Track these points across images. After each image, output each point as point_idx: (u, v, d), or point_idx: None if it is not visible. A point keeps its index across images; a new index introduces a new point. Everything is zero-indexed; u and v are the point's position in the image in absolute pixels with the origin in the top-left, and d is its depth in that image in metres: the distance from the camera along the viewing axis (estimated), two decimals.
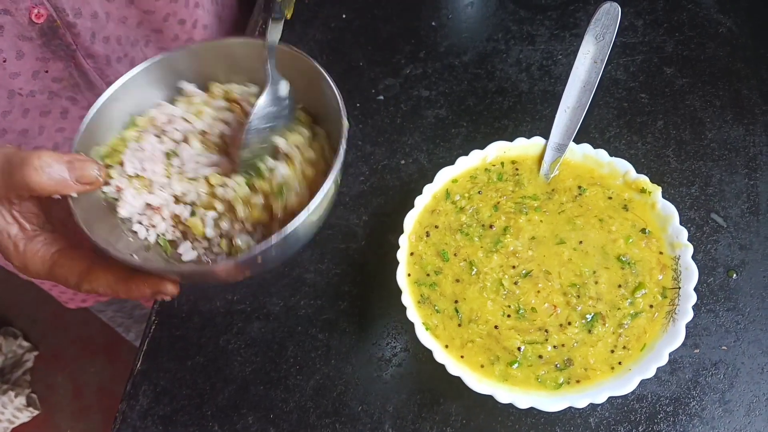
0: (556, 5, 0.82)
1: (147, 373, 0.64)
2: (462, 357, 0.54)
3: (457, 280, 0.57)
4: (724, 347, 0.59)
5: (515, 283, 0.56)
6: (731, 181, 0.67)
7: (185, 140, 0.59)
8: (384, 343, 0.62)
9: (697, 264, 0.54)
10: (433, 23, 0.83)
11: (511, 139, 0.63)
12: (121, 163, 0.56)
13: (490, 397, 0.51)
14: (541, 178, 0.62)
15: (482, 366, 0.53)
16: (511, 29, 0.81)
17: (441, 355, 0.53)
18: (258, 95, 0.57)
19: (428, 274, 0.57)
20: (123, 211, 0.56)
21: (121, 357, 1.82)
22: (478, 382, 0.52)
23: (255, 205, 0.54)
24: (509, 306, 0.55)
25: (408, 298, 0.55)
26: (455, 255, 0.58)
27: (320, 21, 0.86)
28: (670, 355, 0.51)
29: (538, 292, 0.56)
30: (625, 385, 0.50)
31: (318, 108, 0.59)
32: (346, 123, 0.51)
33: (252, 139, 0.55)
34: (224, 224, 0.54)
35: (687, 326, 0.52)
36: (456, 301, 0.56)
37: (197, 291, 0.68)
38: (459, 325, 0.55)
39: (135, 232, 0.56)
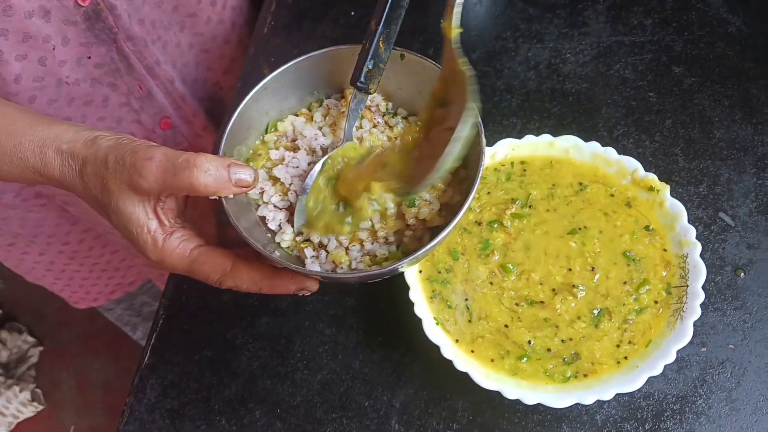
0: (564, 4, 0.82)
1: (155, 367, 0.64)
2: (472, 351, 0.54)
3: (465, 280, 0.57)
4: (731, 346, 0.59)
5: (526, 279, 0.56)
6: (739, 180, 0.67)
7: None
8: (391, 339, 0.63)
9: (704, 262, 0.54)
10: (442, 21, 0.83)
11: (519, 137, 0.63)
12: (265, 167, 0.60)
13: (496, 394, 0.51)
14: (545, 178, 0.62)
15: (492, 360, 0.54)
16: (519, 27, 0.81)
17: (449, 351, 0.53)
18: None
19: (439, 272, 0.58)
20: (264, 212, 0.59)
21: (126, 353, 1.82)
22: (486, 378, 0.52)
23: (389, 217, 0.56)
24: (517, 304, 0.55)
25: (417, 294, 0.55)
26: (462, 254, 0.58)
27: (329, 18, 0.86)
28: (677, 353, 0.51)
29: (544, 286, 0.56)
30: (633, 382, 0.50)
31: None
32: (484, 140, 0.53)
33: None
34: (367, 245, 0.56)
35: (694, 324, 0.52)
36: (466, 299, 0.56)
37: (205, 286, 0.68)
38: (469, 321, 0.55)
39: (272, 230, 0.59)
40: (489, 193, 0.61)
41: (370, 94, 0.58)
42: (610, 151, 0.61)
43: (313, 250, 0.57)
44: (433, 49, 0.81)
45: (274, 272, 0.52)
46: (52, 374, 1.85)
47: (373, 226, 0.55)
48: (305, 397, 0.61)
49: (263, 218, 0.59)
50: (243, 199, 0.59)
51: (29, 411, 1.75)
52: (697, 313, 0.52)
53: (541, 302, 0.55)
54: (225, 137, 0.57)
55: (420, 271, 0.58)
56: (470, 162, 0.57)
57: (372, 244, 0.56)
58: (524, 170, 0.63)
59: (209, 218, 0.56)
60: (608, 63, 0.76)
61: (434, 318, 0.55)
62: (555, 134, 0.63)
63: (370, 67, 0.57)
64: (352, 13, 0.86)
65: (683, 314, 0.53)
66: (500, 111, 0.75)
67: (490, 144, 0.62)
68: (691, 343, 0.51)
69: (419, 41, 0.82)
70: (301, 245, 0.58)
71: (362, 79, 0.57)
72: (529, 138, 0.63)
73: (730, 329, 0.59)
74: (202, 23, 0.83)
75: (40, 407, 1.77)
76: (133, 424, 0.62)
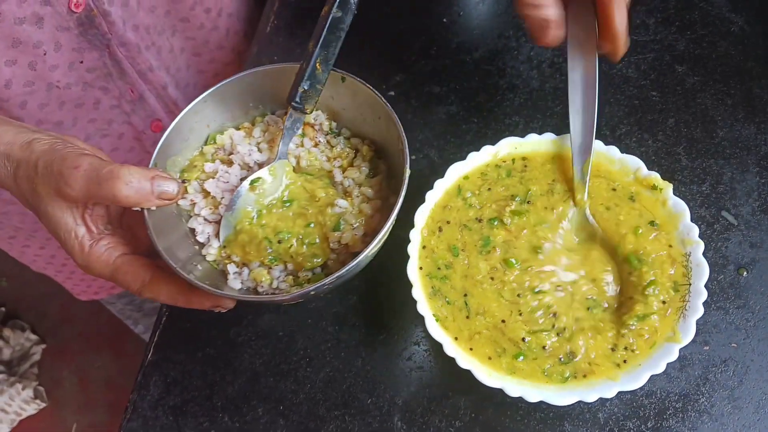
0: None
1: (158, 364, 0.65)
2: (471, 349, 0.54)
3: (465, 276, 0.57)
4: (733, 344, 0.59)
5: (522, 277, 0.56)
6: (742, 180, 0.67)
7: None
8: (393, 337, 0.63)
9: (707, 261, 0.54)
10: (444, 20, 0.83)
11: (522, 136, 0.63)
12: (199, 179, 0.61)
13: (499, 392, 0.51)
14: (546, 173, 0.62)
15: (490, 358, 0.54)
16: (522, 26, 0.81)
17: (451, 348, 0.53)
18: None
19: (439, 268, 0.58)
20: (194, 224, 0.60)
21: (128, 351, 1.83)
22: (488, 376, 0.52)
23: (312, 244, 0.58)
24: (519, 295, 0.56)
25: (419, 292, 0.55)
26: (463, 251, 0.58)
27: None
28: (679, 351, 0.51)
29: (542, 288, 0.56)
30: (635, 380, 0.50)
31: (383, 143, 0.62)
32: (407, 171, 0.55)
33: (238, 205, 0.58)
34: (289, 265, 0.58)
35: (697, 323, 0.52)
36: (465, 295, 0.56)
37: None
38: (467, 317, 0.55)
39: (200, 243, 0.60)
40: (489, 189, 0.61)
41: (306, 114, 0.59)
42: (613, 150, 0.61)
43: (237, 267, 0.58)
44: (436, 48, 0.81)
45: (190, 288, 0.53)
46: (55, 372, 1.85)
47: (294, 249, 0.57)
48: (308, 395, 0.61)
49: (193, 230, 0.60)
50: (173, 210, 0.60)
51: (32, 408, 1.76)
52: (700, 311, 0.52)
53: (537, 292, 0.55)
54: (158, 147, 0.58)
55: (420, 268, 0.58)
56: (394, 172, 0.60)
57: (294, 268, 0.58)
58: (525, 166, 0.63)
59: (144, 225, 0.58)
60: (611, 62, 0.76)
61: (434, 315, 0.55)
62: (558, 133, 0.63)
63: (306, 88, 0.58)
64: (355, 12, 0.86)
65: (686, 312, 0.53)
66: (503, 110, 0.75)
67: (492, 142, 0.63)
68: (693, 341, 0.51)
69: (421, 40, 0.82)
70: (225, 261, 0.59)
71: (297, 99, 0.58)
72: (532, 136, 0.63)
73: (733, 328, 0.59)
74: (195, 29, 0.83)
75: (43, 405, 1.78)
76: (137, 421, 0.62)
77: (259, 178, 0.59)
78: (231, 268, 0.58)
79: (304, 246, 0.57)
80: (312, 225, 0.58)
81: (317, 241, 0.58)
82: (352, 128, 0.65)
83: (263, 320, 0.66)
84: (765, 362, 0.58)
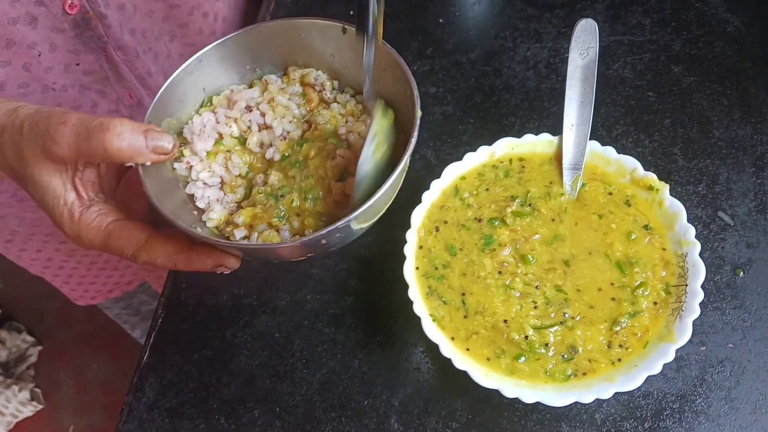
0: (563, 3, 0.82)
1: (154, 366, 0.64)
2: (467, 350, 0.54)
3: (463, 274, 0.57)
4: (730, 345, 0.59)
5: (516, 278, 0.56)
6: (738, 180, 0.67)
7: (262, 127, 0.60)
8: (390, 338, 0.63)
9: (704, 262, 0.54)
10: (441, 20, 0.83)
11: (518, 136, 0.63)
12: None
13: (495, 393, 0.51)
14: (544, 175, 0.62)
15: (488, 359, 0.53)
16: (518, 27, 0.81)
17: (447, 349, 0.53)
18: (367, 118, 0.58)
19: (436, 268, 0.57)
20: (192, 189, 0.58)
21: (124, 353, 1.82)
22: (485, 377, 0.52)
23: (315, 199, 0.55)
24: (527, 284, 0.56)
25: (415, 292, 0.55)
26: (461, 250, 0.58)
27: (327, 17, 0.86)
28: (676, 351, 0.51)
29: (536, 288, 0.56)
30: (632, 381, 0.50)
31: (389, 96, 0.59)
32: (419, 112, 0.52)
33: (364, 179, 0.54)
34: (295, 223, 0.55)
35: (693, 323, 0.52)
36: (463, 294, 0.56)
37: (204, 284, 0.68)
38: (465, 316, 0.55)
39: (200, 209, 0.58)
40: (488, 189, 0.61)
41: (378, 41, 0.54)
42: (609, 150, 0.61)
43: (245, 231, 0.56)
44: (432, 49, 0.81)
45: (190, 246, 0.50)
46: (51, 374, 1.84)
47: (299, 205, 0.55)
48: (304, 396, 0.61)
49: (192, 196, 0.58)
50: (169, 176, 0.57)
51: (28, 410, 1.75)
52: (697, 312, 0.52)
53: (536, 287, 0.56)
54: (151, 107, 0.55)
55: (417, 268, 0.58)
56: (403, 119, 0.56)
57: (300, 224, 0.55)
58: (523, 167, 0.63)
59: (141, 198, 0.54)
60: (607, 62, 0.76)
61: (430, 315, 0.55)
62: (554, 133, 0.63)
63: (375, 13, 0.52)
64: (351, 12, 0.86)
65: (682, 313, 0.53)
66: (499, 110, 0.75)
67: (489, 143, 0.62)
68: (690, 342, 0.51)
69: (418, 41, 0.82)
70: (228, 228, 0.56)
71: (371, 27, 0.52)
72: (529, 137, 0.63)
73: (730, 328, 0.59)
74: (194, 34, 0.82)
75: (39, 407, 1.77)
76: (132, 423, 0.62)
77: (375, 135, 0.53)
78: (238, 234, 0.55)
79: (308, 201, 0.55)
80: (311, 177, 0.55)
81: (320, 195, 0.55)
82: (355, 86, 0.62)
83: (259, 322, 0.65)
84: (762, 362, 0.58)
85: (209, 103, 0.62)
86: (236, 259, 0.52)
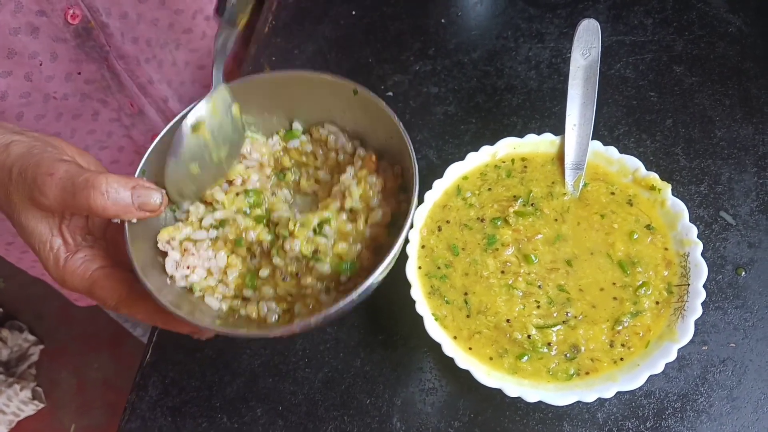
0: (565, 3, 0.82)
1: (156, 365, 0.64)
2: (470, 349, 0.54)
3: (466, 274, 0.57)
4: (732, 344, 0.59)
5: (519, 278, 0.56)
6: (740, 180, 0.67)
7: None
8: (392, 337, 0.63)
9: (706, 261, 0.54)
10: (443, 20, 0.83)
11: (520, 136, 0.63)
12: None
13: (497, 392, 0.51)
14: (546, 175, 0.62)
15: (491, 358, 0.54)
16: (520, 27, 0.81)
17: (450, 349, 0.53)
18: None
19: (439, 267, 0.58)
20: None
21: (126, 352, 1.83)
22: (487, 376, 0.52)
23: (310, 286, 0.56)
24: (530, 284, 0.56)
25: (418, 292, 0.55)
26: (463, 249, 0.58)
27: (330, 18, 0.86)
28: (678, 351, 0.51)
29: (539, 287, 0.56)
30: (634, 380, 0.50)
31: (389, 153, 0.61)
32: (414, 203, 0.52)
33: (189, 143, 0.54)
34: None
35: (695, 323, 0.52)
36: (465, 293, 0.56)
37: None
38: (467, 316, 0.55)
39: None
40: (490, 189, 0.62)
41: (237, 29, 0.53)
42: (612, 150, 0.61)
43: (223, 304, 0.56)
44: (434, 49, 0.81)
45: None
46: (53, 373, 1.85)
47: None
48: (307, 395, 0.61)
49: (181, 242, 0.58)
50: (161, 222, 0.56)
51: (30, 409, 1.76)
52: (699, 311, 0.52)
53: (538, 286, 0.56)
54: (147, 154, 0.54)
55: (419, 268, 0.58)
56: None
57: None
58: (525, 167, 0.63)
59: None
60: (609, 62, 0.76)
61: (433, 314, 0.55)
62: (556, 133, 0.63)
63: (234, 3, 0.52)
64: (353, 13, 0.86)
65: (684, 313, 0.53)
66: (501, 110, 0.75)
67: (491, 143, 0.63)
68: (692, 341, 0.51)
69: (420, 41, 0.82)
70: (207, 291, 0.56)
71: (228, 12, 0.52)
72: (531, 137, 0.63)
73: (731, 328, 0.59)
74: (198, 39, 0.82)
75: (41, 405, 1.77)
76: (135, 422, 0.62)
77: (202, 121, 0.53)
78: (213, 303, 0.56)
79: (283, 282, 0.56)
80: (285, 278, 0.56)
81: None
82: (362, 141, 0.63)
83: None
84: (763, 362, 0.58)
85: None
86: (209, 333, 0.52)
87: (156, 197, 0.48)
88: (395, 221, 0.58)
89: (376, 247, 0.57)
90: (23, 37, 0.62)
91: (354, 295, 0.47)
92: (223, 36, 0.53)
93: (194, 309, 0.54)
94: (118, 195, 0.45)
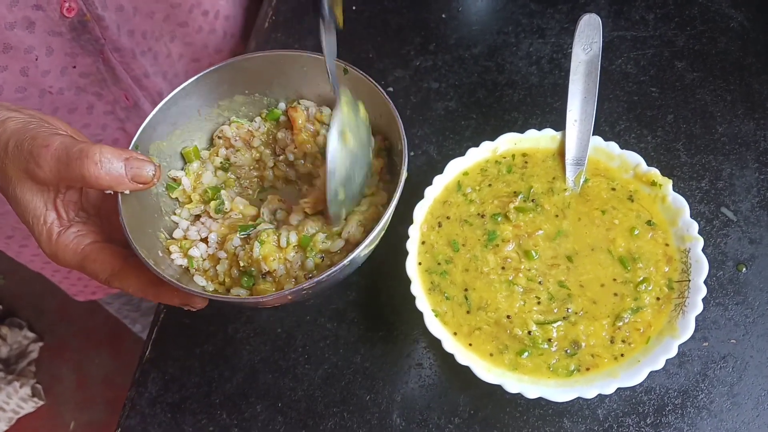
0: None
1: (156, 361, 0.64)
2: (470, 345, 0.54)
3: (466, 270, 0.57)
4: (732, 340, 0.59)
5: (519, 274, 0.56)
6: (741, 176, 0.66)
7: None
8: (392, 333, 0.63)
9: (706, 257, 0.54)
10: (443, 15, 0.83)
11: (521, 132, 0.63)
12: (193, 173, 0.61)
13: (497, 388, 0.51)
14: (547, 170, 0.62)
15: (491, 355, 0.53)
16: (521, 22, 0.81)
17: (450, 345, 0.53)
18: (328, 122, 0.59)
19: (439, 263, 0.57)
20: (176, 218, 0.59)
21: (125, 349, 1.83)
22: (488, 372, 0.52)
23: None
24: (530, 280, 0.55)
25: (418, 288, 0.55)
26: (464, 245, 0.58)
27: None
28: (679, 347, 0.51)
29: (540, 282, 0.56)
30: (634, 376, 0.50)
31: (380, 131, 0.60)
32: (404, 173, 0.52)
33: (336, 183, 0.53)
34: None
35: (696, 319, 0.52)
36: (466, 289, 0.56)
37: None
38: (468, 312, 0.55)
39: (176, 237, 0.58)
40: (490, 185, 0.61)
41: (338, 26, 0.52)
42: (613, 146, 0.61)
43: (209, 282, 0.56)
44: (435, 44, 0.80)
45: (160, 281, 0.49)
46: (52, 370, 1.85)
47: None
48: (306, 392, 0.61)
49: (176, 224, 0.59)
50: (152, 201, 0.57)
51: (29, 406, 1.76)
52: (699, 307, 0.52)
53: (539, 283, 0.55)
54: (141, 129, 0.55)
55: (420, 264, 0.57)
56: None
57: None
58: (526, 162, 0.63)
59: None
60: (610, 58, 0.76)
61: (433, 310, 0.55)
62: (557, 128, 0.63)
63: None
64: (354, 8, 0.86)
65: (685, 309, 0.53)
66: (502, 106, 0.75)
67: (491, 138, 0.62)
68: (692, 337, 0.51)
69: (421, 36, 0.81)
70: (197, 272, 0.57)
71: (326, 8, 0.49)
72: (532, 132, 0.63)
73: (732, 324, 0.59)
74: (194, 32, 0.82)
75: (41, 402, 1.77)
76: (135, 418, 0.62)
77: (345, 129, 0.52)
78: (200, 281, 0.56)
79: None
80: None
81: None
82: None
83: (261, 317, 0.65)
84: (764, 358, 0.57)
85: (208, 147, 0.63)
86: (202, 301, 0.51)
87: (149, 169, 0.48)
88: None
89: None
90: (19, 31, 0.62)
91: (345, 261, 0.48)
92: (326, 36, 0.51)
93: (188, 282, 0.55)
94: (112, 165, 0.45)
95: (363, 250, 0.49)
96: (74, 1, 0.64)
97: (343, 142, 0.52)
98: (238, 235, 0.56)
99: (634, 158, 0.60)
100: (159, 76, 0.79)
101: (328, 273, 0.48)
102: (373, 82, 0.57)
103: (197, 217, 0.60)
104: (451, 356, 0.52)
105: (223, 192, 0.60)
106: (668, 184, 0.58)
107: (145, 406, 0.62)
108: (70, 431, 1.76)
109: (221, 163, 0.62)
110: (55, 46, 0.65)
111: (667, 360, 0.51)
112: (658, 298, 0.55)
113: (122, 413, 0.62)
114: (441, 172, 0.61)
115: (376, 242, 0.52)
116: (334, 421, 0.59)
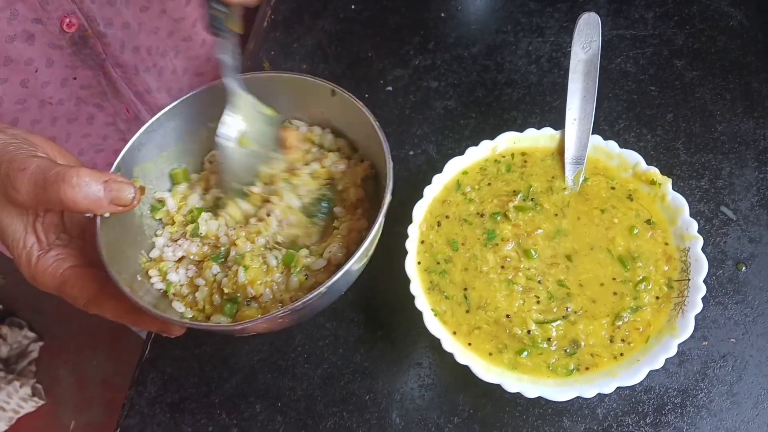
0: None
1: (155, 361, 0.64)
2: (469, 344, 0.54)
3: (466, 269, 0.57)
4: (732, 339, 0.58)
5: (519, 273, 0.56)
6: (741, 174, 0.66)
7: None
8: (391, 333, 0.63)
9: (706, 256, 0.54)
10: (442, 14, 0.83)
11: (520, 131, 0.63)
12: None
13: (497, 388, 0.51)
14: (546, 169, 0.62)
15: (490, 354, 0.53)
16: (520, 21, 0.81)
17: (449, 344, 0.53)
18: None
19: (438, 262, 0.57)
20: (158, 241, 0.59)
21: (125, 349, 1.82)
22: (487, 371, 0.52)
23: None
24: (530, 279, 0.55)
25: (417, 287, 0.55)
26: (463, 245, 0.58)
27: (329, 12, 0.86)
28: (678, 346, 0.51)
29: (540, 282, 0.56)
30: (634, 375, 0.50)
31: (370, 159, 0.61)
32: (388, 198, 0.51)
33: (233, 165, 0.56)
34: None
35: (696, 318, 0.52)
36: (465, 289, 0.56)
37: None
38: (467, 311, 0.55)
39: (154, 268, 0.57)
40: (490, 184, 0.61)
41: (232, 34, 0.52)
42: (612, 145, 0.61)
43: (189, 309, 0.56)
44: (434, 43, 0.80)
45: (138, 308, 0.49)
46: (53, 369, 1.85)
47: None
48: (306, 391, 0.61)
49: (155, 247, 0.59)
50: (136, 223, 0.57)
51: (29, 406, 1.76)
52: (699, 306, 0.52)
53: (538, 282, 0.55)
54: (124, 151, 0.54)
55: (419, 263, 0.57)
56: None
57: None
58: (525, 161, 0.63)
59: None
60: (609, 57, 0.76)
61: (432, 309, 0.55)
62: (556, 127, 0.63)
63: (216, 7, 0.50)
64: (353, 7, 0.86)
65: (684, 308, 0.53)
66: (501, 105, 0.74)
67: (491, 137, 0.62)
68: (692, 336, 0.51)
69: (419, 35, 0.81)
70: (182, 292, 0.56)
71: (216, 23, 0.51)
72: (531, 131, 0.62)
73: (732, 323, 0.59)
74: (197, 46, 0.82)
75: (41, 402, 1.77)
76: (134, 418, 0.62)
77: (243, 133, 0.55)
78: (178, 307, 0.56)
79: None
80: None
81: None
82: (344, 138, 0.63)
83: None
84: (764, 357, 0.57)
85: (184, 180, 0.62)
86: (180, 329, 0.51)
87: (129, 191, 0.47)
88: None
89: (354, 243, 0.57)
90: (19, 44, 0.62)
91: (322, 289, 0.46)
92: (223, 47, 0.53)
93: (166, 308, 0.55)
94: (89, 188, 0.44)
95: (341, 278, 0.48)
96: (75, 17, 0.63)
97: (242, 145, 0.56)
98: (214, 263, 0.55)
99: (634, 157, 0.60)
100: (163, 91, 0.79)
101: (305, 300, 0.46)
102: (360, 103, 0.56)
103: (177, 239, 0.59)
104: (450, 355, 0.52)
105: (203, 215, 0.59)
106: (668, 183, 0.58)
107: (144, 406, 0.62)
108: (70, 431, 1.76)
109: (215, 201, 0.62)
110: (56, 58, 0.66)
111: (666, 359, 0.50)
112: (657, 297, 0.55)
113: (121, 413, 0.62)
114: (440, 171, 0.61)
115: (360, 264, 0.51)
116: (333, 421, 0.59)
